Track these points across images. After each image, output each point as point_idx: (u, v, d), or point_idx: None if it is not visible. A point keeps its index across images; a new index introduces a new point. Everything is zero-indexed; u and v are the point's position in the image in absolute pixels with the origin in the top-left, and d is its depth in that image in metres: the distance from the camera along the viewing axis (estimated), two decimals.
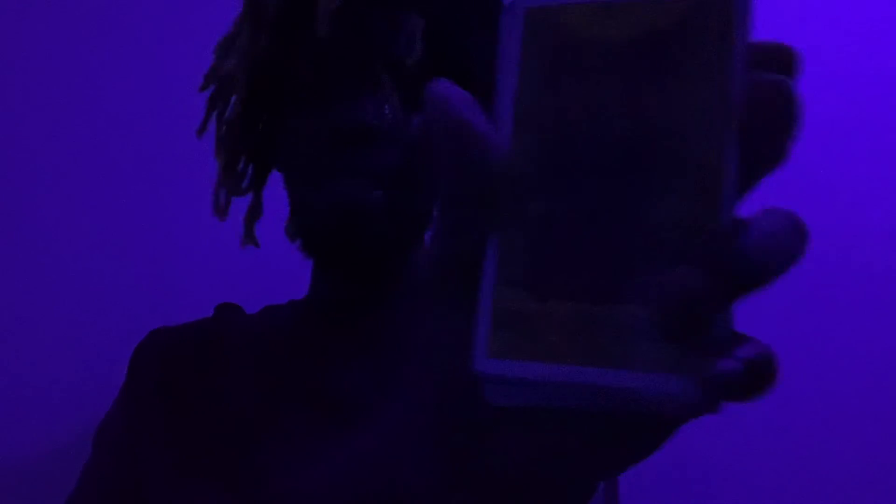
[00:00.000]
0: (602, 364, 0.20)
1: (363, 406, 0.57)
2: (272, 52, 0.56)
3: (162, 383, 0.61)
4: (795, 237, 0.19)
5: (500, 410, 0.25)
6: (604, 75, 0.21)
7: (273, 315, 0.66)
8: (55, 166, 0.99)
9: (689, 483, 0.93)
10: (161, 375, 0.61)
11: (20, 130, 0.99)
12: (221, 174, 0.61)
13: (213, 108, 0.62)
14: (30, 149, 0.99)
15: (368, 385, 0.58)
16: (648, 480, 0.91)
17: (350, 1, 0.53)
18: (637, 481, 0.91)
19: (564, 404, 0.21)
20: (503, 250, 0.22)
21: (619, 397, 0.20)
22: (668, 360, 0.19)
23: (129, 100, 1.01)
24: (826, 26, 1.04)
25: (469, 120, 0.21)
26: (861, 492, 0.92)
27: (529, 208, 0.22)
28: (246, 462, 0.56)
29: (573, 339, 0.21)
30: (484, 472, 0.27)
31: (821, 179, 1.00)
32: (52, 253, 0.96)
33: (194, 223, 0.98)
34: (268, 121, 0.61)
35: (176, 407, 0.60)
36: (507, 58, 0.23)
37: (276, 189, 0.65)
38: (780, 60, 0.21)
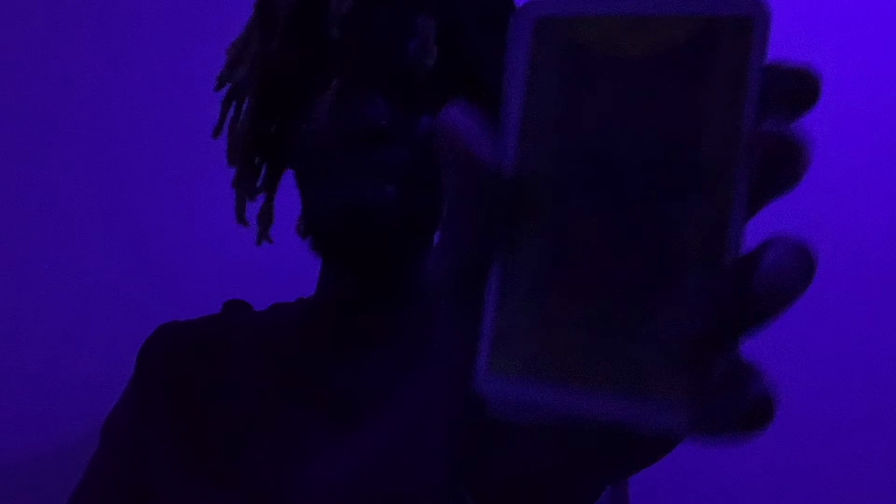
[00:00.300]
0: (600, 390, 0.20)
1: (371, 406, 0.57)
2: (284, 56, 0.56)
3: (169, 379, 0.61)
4: (802, 271, 0.19)
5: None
6: (613, 92, 0.21)
7: (281, 313, 0.66)
8: (63, 163, 0.99)
9: (696, 485, 0.94)
10: (168, 371, 0.62)
11: (24, 129, 0.99)
12: (237, 178, 0.61)
13: (226, 112, 0.63)
14: (36, 146, 0.99)
15: (376, 385, 0.58)
16: (658, 483, 0.92)
17: (361, 3, 0.53)
18: (647, 484, 0.91)
19: (564, 423, 0.21)
20: (508, 266, 0.22)
21: (615, 422, 0.20)
22: (666, 390, 0.19)
23: (136, 97, 1.01)
24: (826, 26, 1.04)
25: (474, 152, 0.21)
26: (861, 492, 0.93)
27: (533, 230, 0.21)
28: (252, 459, 0.56)
29: (574, 362, 0.20)
30: (492, 475, 0.27)
31: (820, 179, 1.00)
32: (61, 248, 0.96)
33: (202, 219, 0.98)
34: (280, 122, 0.61)
35: (183, 402, 0.60)
36: (516, 67, 0.22)
37: (284, 187, 0.65)
38: (802, 85, 0.20)
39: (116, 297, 0.96)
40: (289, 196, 0.64)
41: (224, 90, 0.63)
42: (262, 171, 0.64)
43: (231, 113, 0.62)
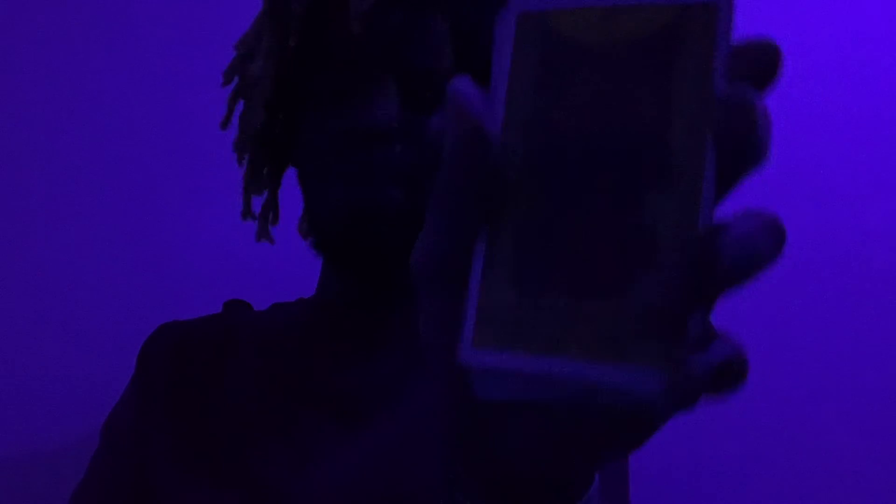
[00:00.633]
0: (581, 357, 0.21)
1: (374, 405, 0.57)
2: (298, 53, 0.56)
3: (171, 378, 0.61)
4: (771, 240, 0.20)
5: (498, 405, 0.26)
6: (590, 80, 0.22)
7: (282, 313, 0.66)
8: (63, 163, 0.99)
9: (696, 484, 0.94)
10: (170, 370, 0.62)
11: (27, 129, 1.00)
12: (248, 173, 0.61)
13: (233, 106, 0.62)
14: (38, 146, 0.99)
15: (379, 385, 0.58)
16: (658, 483, 0.92)
17: (378, 2, 0.53)
18: (646, 484, 0.91)
19: (549, 397, 0.22)
20: (491, 245, 0.23)
21: (598, 390, 0.21)
22: (645, 355, 0.20)
23: (137, 97, 1.02)
24: (824, 25, 1.04)
25: (479, 118, 0.22)
26: (860, 492, 0.92)
27: (516, 206, 0.22)
28: (254, 460, 0.56)
29: (555, 333, 0.21)
30: (490, 468, 0.28)
31: (819, 178, 1.00)
32: (61, 249, 0.96)
33: (201, 220, 0.98)
34: (287, 119, 0.61)
35: (185, 402, 0.60)
36: (500, 61, 0.23)
37: (285, 187, 0.65)
38: (763, 58, 0.21)
39: (117, 297, 0.96)
40: (290, 196, 0.64)
41: (226, 89, 0.63)
42: (266, 169, 0.64)
43: (239, 107, 0.62)
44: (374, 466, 0.54)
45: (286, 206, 0.65)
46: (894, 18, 1.02)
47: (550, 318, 0.21)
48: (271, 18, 0.58)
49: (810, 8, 1.04)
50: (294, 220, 0.66)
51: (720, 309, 0.98)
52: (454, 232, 0.24)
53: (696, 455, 0.94)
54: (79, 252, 0.97)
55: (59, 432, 0.91)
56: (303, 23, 0.55)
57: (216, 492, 0.55)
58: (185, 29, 1.03)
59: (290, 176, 0.65)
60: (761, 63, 0.21)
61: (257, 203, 0.64)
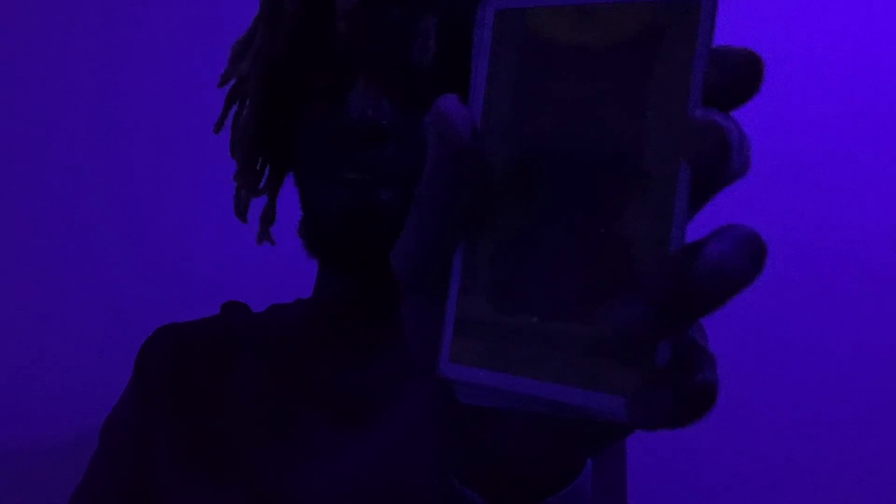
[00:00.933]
0: (551, 379, 0.21)
1: (374, 405, 0.57)
2: (288, 52, 0.56)
3: (172, 379, 0.61)
4: (747, 261, 0.19)
5: (480, 409, 0.26)
6: (566, 86, 0.21)
7: (281, 314, 0.66)
8: (61, 164, 0.99)
9: (695, 485, 0.94)
10: (171, 371, 0.62)
11: (27, 128, 1.00)
12: (239, 174, 0.61)
13: (229, 108, 0.62)
14: (37, 146, 0.99)
15: (379, 385, 0.58)
16: (657, 482, 0.92)
17: (369, 1, 0.53)
18: (646, 484, 0.91)
19: (522, 408, 0.22)
20: (468, 257, 0.23)
21: (565, 409, 0.21)
22: (612, 380, 0.20)
23: (136, 98, 1.02)
24: (824, 24, 1.03)
25: (462, 141, 0.22)
26: (860, 492, 0.92)
27: (493, 217, 0.22)
28: (254, 460, 0.56)
29: (527, 353, 0.21)
30: (479, 459, 0.28)
31: (818, 178, 1.00)
32: (55, 250, 0.97)
33: (200, 222, 0.98)
34: (283, 121, 0.61)
35: (185, 403, 0.60)
36: (479, 59, 0.23)
37: (285, 188, 0.65)
38: (745, 70, 0.20)
39: (115, 298, 0.96)
40: (289, 197, 0.64)
41: (228, 88, 0.63)
42: (266, 172, 0.63)
43: (235, 108, 0.62)
44: (373, 466, 0.54)
45: (285, 208, 0.66)
46: (894, 18, 1.02)
47: (523, 338, 0.21)
48: (264, 19, 0.58)
49: (811, 7, 1.04)
50: (292, 221, 0.66)
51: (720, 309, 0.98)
52: (432, 240, 0.24)
53: (695, 455, 0.94)
54: (77, 253, 0.97)
55: (58, 432, 0.91)
56: (294, 22, 0.55)
57: (216, 492, 0.55)
58: (185, 28, 1.03)
59: (289, 178, 0.65)
60: (742, 75, 0.20)
61: (257, 205, 0.63)
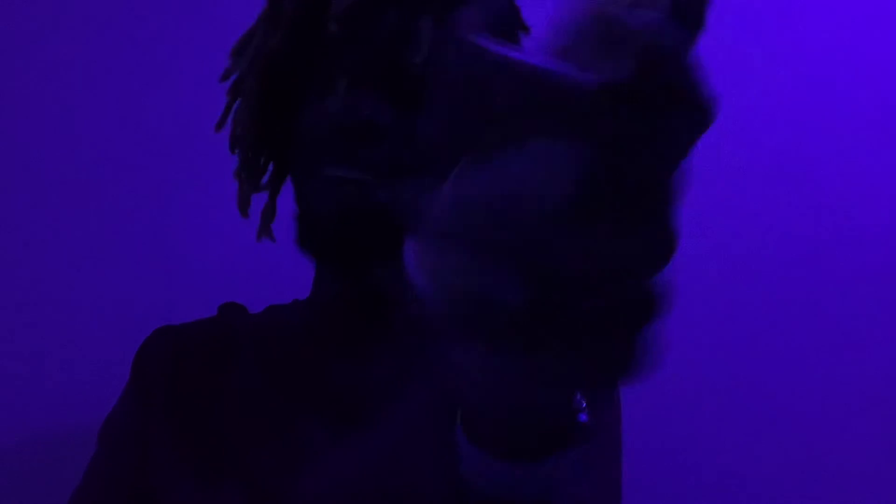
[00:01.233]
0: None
1: (373, 406, 0.57)
2: (284, 51, 0.57)
3: (170, 380, 0.61)
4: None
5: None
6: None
7: (278, 314, 0.66)
8: (58, 165, 0.99)
9: (693, 484, 0.94)
10: (169, 373, 0.62)
11: (25, 128, 1.00)
12: (239, 169, 0.62)
13: (231, 105, 0.63)
14: (33, 147, 0.99)
15: (378, 385, 0.58)
16: (656, 482, 0.92)
17: (362, 1, 0.53)
18: (645, 484, 0.91)
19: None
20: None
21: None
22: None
23: (134, 98, 1.02)
24: (824, 23, 1.03)
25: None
26: (861, 492, 0.92)
27: None
28: (253, 461, 0.56)
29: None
30: (478, 413, 0.29)
31: (818, 178, 1.00)
32: (50, 252, 0.97)
33: (198, 223, 0.98)
34: (282, 118, 0.61)
35: (184, 405, 0.60)
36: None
37: (284, 188, 0.65)
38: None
39: (113, 298, 0.96)
40: (286, 197, 0.64)
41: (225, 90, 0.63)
42: (269, 169, 0.64)
43: (237, 105, 0.62)
44: (371, 467, 0.54)
45: (283, 208, 0.65)
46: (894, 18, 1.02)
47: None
48: (267, 17, 0.58)
49: (811, 7, 1.04)
50: (290, 221, 0.66)
51: (719, 309, 0.98)
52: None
53: (695, 455, 0.94)
54: (76, 253, 0.97)
55: (58, 432, 0.91)
56: (293, 22, 0.56)
57: (215, 493, 0.55)
58: (186, 28, 1.03)
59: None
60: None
61: (257, 204, 0.64)
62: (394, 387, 0.58)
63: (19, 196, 0.98)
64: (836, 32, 1.03)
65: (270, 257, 0.87)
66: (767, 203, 1.00)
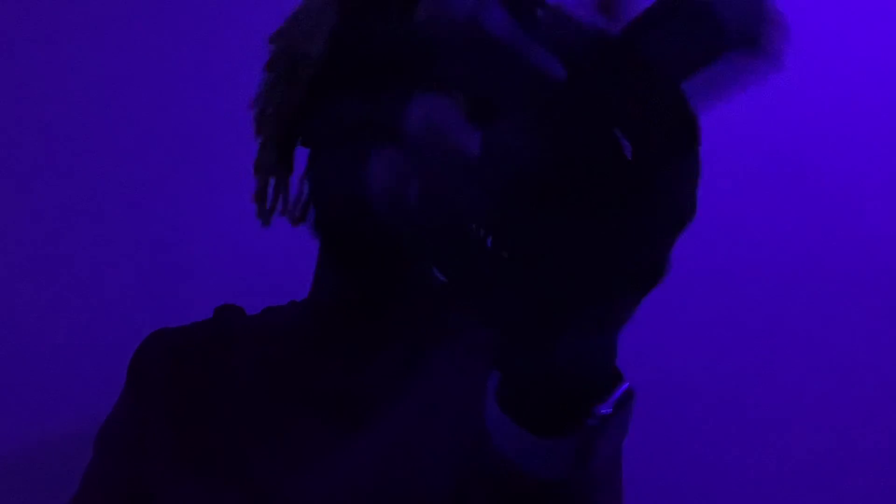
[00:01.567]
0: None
1: (371, 407, 0.57)
2: (326, 56, 0.57)
3: (167, 383, 0.61)
4: None
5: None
6: None
7: (276, 316, 0.66)
8: (56, 165, 0.99)
9: (692, 484, 0.94)
10: (168, 375, 0.62)
11: (25, 127, 1.00)
12: (262, 157, 0.61)
13: (271, 79, 0.61)
14: (33, 146, 0.99)
15: (377, 386, 0.58)
16: (655, 483, 0.92)
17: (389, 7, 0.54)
18: (644, 484, 0.91)
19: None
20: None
21: None
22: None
23: (133, 98, 1.02)
24: (823, 23, 1.03)
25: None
26: (860, 492, 0.92)
27: None
28: (252, 462, 0.56)
29: None
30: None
31: (818, 178, 1.00)
32: (46, 254, 0.97)
33: (196, 224, 0.98)
34: (311, 106, 0.61)
35: (181, 407, 0.60)
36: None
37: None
38: None
39: (112, 299, 0.96)
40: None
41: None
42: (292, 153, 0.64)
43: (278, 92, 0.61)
44: (370, 467, 0.54)
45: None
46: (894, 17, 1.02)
47: None
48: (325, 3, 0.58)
49: (812, 7, 1.04)
50: (290, 222, 0.66)
51: (718, 310, 0.97)
52: None
53: (695, 455, 0.94)
54: (74, 254, 0.97)
55: (57, 432, 0.91)
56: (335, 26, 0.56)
57: (214, 494, 0.55)
58: (186, 27, 1.03)
59: (297, 165, 0.65)
60: None
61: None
62: (393, 387, 0.58)
63: (19, 197, 0.98)
64: (837, 32, 1.03)
65: (267, 259, 0.87)
66: (767, 203, 0.99)
